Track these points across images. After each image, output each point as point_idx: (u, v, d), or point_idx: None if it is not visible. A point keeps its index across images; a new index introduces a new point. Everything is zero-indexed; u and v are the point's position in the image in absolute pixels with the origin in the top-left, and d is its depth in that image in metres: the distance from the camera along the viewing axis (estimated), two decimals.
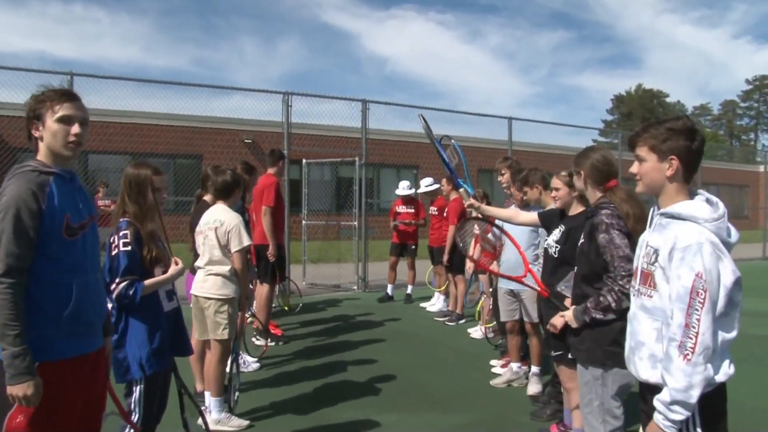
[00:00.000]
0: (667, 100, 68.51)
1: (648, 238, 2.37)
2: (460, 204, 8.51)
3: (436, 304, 9.47)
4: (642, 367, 2.34)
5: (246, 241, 4.33)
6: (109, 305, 2.98)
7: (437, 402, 5.06)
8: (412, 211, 9.94)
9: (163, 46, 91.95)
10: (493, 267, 4.27)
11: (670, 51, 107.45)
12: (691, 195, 2.30)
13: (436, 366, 6.21)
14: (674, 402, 2.12)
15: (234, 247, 4.33)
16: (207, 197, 5.04)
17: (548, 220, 4.14)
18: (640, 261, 2.40)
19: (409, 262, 10.01)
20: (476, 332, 7.58)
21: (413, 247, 9.98)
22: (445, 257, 8.37)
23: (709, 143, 36.96)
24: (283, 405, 4.86)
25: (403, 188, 10.01)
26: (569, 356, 3.78)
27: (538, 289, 3.36)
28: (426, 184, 9.64)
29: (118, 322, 3.04)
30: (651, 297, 2.31)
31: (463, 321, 8.38)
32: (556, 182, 3.97)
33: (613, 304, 2.95)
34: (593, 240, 3.09)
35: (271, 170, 7.00)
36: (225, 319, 4.30)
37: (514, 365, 5.48)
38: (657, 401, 2.18)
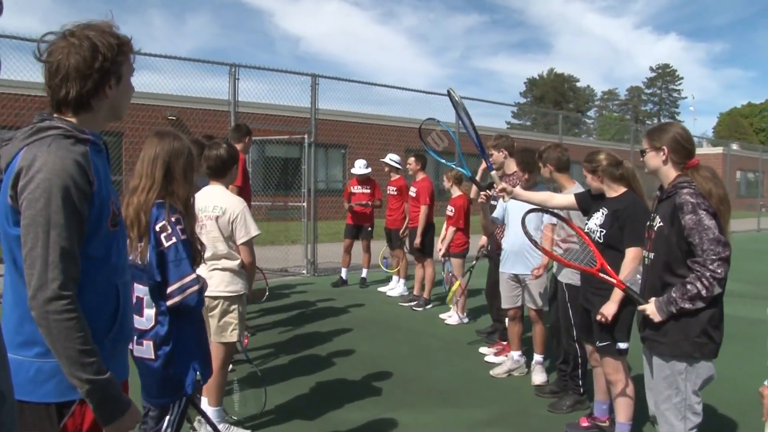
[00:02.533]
0: (578, 84, 71.30)
1: None
2: (431, 183, 8.18)
3: (396, 288, 9.09)
4: None
5: (253, 231, 3.73)
6: (149, 310, 2.40)
7: (444, 396, 4.71)
8: (368, 191, 9.45)
9: (64, 17, 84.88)
10: (560, 255, 3.90)
11: (578, 37, 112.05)
12: None
13: (424, 356, 5.85)
14: None
15: (240, 239, 3.71)
16: None
17: (585, 202, 3.86)
18: None
19: (365, 244, 9.54)
20: (451, 318, 7.29)
21: (369, 228, 9.53)
22: (417, 240, 7.96)
23: (617, 126, 38.83)
24: (279, 407, 4.34)
25: (360, 167, 9.46)
26: (617, 347, 3.54)
27: (614, 282, 3.04)
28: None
29: (170, 331, 2.43)
30: None
31: (430, 306, 8.07)
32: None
33: (704, 292, 2.67)
34: (675, 222, 2.79)
35: (237, 146, 6.34)
36: (235, 318, 3.72)
37: (515, 354, 5.21)
38: None
